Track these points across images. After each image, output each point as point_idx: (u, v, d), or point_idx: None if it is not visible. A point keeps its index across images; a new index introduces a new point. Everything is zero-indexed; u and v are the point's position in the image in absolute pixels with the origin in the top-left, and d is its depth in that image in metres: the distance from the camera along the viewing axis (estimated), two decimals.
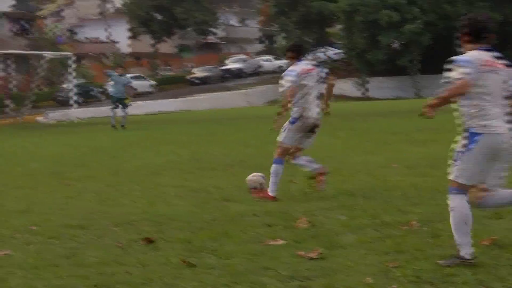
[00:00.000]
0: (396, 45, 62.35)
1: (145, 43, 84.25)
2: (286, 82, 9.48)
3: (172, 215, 8.47)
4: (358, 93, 65.68)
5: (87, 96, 55.33)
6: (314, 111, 9.56)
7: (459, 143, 5.89)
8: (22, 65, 65.29)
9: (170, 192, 10.39)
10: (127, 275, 5.93)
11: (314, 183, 9.73)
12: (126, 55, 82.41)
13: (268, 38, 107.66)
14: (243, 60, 77.71)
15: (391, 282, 5.50)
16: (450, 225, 6.53)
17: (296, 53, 9.78)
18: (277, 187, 9.48)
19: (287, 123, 9.57)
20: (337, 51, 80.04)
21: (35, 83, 45.53)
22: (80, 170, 13.67)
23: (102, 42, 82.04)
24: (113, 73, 27.39)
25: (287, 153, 9.65)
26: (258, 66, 78.11)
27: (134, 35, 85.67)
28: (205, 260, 6.28)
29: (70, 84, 42.58)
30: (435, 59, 56.89)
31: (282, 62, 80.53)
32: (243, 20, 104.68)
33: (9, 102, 51.16)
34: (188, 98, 58.99)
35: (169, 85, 70.69)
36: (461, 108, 5.88)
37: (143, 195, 10.21)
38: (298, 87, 9.45)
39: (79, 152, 17.88)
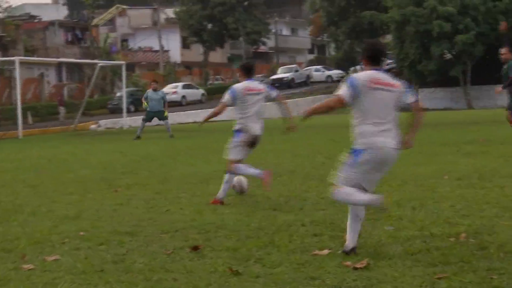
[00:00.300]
0: (448, 56, 61.70)
1: (196, 53, 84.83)
2: (225, 96, 10.26)
3: (219, 223, 8.51)
4: None
5: (138, 104, 55.74)
6: (254, 127, 10.21)
7: (345, 157, 6.65)
8: (75, 73, 66.25)
9: None
10: (174, 282, 5.97)
11: (263, 187, 10.20)
12: (177, 64, 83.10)
13: (319, 48, 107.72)
14: (293, 70, 77.53)
15: None
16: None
17: (246, 72, 10.48)
18: (226, 193, 10.19)
19: (232, 138, 10.25)
20: (388, 61, 79.68)
21: (88, 91, 46.09)
22: (129, 177, 13.80)
23: (154, 51, 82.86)
24: (148, 92, 28.09)
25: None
26: (308, 76, 77.92)
27: (186, 45, 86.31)
28: (251, 268, 6.30)
29: (122, 92, 42.96)
30: (487, 70, 56.24)
31: (332, 72, 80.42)
32: (294, 30, 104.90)
33: (61, 110, 51.81)
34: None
35: (219, 94, 71.02)
36: (352, 124, 6.64)
37: (191, 203, 10.26)
38: (237, 103, 10.17)
39: (128, 160, 18.05)
